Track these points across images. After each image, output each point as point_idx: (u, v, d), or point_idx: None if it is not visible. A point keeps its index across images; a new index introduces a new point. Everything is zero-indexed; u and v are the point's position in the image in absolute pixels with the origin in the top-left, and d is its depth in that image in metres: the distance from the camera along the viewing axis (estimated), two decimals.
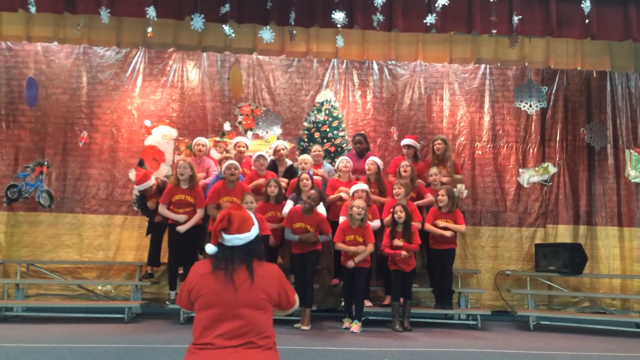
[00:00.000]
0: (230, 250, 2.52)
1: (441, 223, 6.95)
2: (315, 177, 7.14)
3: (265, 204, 6.82)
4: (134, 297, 7.50)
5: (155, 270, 7.58)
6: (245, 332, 2.41)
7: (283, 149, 7.54)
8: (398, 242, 6.51)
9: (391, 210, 6.65)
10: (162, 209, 6.80)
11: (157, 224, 7.19)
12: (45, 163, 8.17)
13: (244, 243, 2.54)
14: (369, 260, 6.60)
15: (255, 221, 2.64)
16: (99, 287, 7.88)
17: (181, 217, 6.70)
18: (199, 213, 6.78)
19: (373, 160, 7.29)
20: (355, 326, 6.40)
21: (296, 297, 2.72)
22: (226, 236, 2.53)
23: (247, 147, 7.66)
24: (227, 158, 7.27)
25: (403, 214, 6.51)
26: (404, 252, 6.49)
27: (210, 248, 2.57)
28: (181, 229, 6.64)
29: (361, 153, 7.76)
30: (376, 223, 6.84)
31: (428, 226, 7.00)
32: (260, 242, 2.65)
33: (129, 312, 6.92)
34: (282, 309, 2.67)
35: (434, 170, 7.40)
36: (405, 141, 7.82)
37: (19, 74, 8.30)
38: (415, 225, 6.73)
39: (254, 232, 2.59)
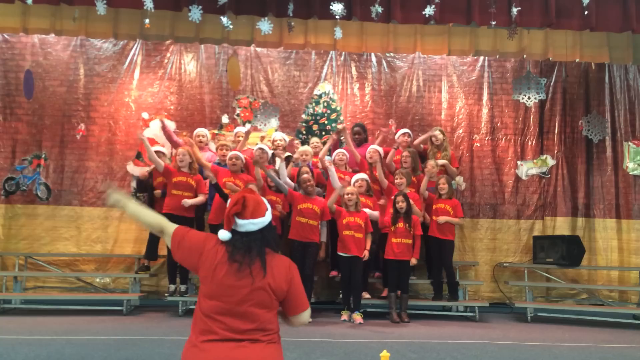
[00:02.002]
0: (247, 238, 2.38)
1: (442, 219, 6.99)
2: (315, 169, 7.18)
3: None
4: (133, 289, 7.49)
5: (153, 263, 7.59)
6: (250, 329, 2.31)
7: (281, 141, 7.56)
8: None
9: (392, 197, 6.72)
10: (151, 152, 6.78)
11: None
12: (43, 155, 8.15)
13: (258, 228, 2.41)
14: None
15: (269, 205, 2.50)
16: (97, 280, 7.88)
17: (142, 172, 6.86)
18: (201, 197, 6.83)
19: (375, 149, 7.35)
20: (358, 317, 6.47)
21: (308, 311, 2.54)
22: (240, 221, 2.39)
23: None
24: (223, 145, 7.27)
25: (404, 204, 6.57)
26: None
27: (223, 234, 2.41)
28: (187, 202, 6.62)
29: (360, 143, 7.78)
30: (377, 213, 6.92)
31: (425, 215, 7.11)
32: (274, 229, 2.52)
33: (127, 304, 6.92)
34: (290, 312, 2.48)
35: (431, 162, 7.44)
36: (403, 130, 7.81)
37: (16, 66, 8.26)
38: (417, 216, 6.80)
39: (268, 216, 2.45)
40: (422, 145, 7.86)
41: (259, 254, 2.37)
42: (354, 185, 6.90)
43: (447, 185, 7.09)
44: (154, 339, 5.37)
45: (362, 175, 7.02)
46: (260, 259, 2.36)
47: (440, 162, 7.54)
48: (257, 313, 2.33)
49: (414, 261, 6.66)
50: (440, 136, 7.71)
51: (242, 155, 6.93)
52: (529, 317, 7.13)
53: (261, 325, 2.33)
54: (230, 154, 6.90)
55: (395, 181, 7.00)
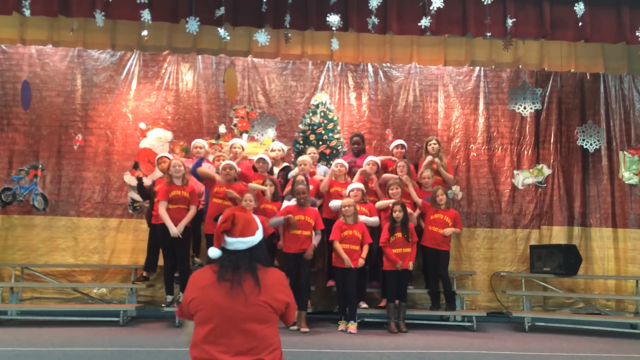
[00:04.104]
0: (235, 256, 2.38)
1: (448, 231, 7.03)
2: (311, 179, 7.21)
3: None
4: (129, 300, 7.49)
5: (151, 274, 7.57)
6: (252, 348, 2.28)
7: (279, 150, 7.57)
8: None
9: (389, 206, 6.75)
10: (162, 210, 6.69)
11: (157, 227, 7.06)
12: (40, 166, 8.14)
13: (247, 247, 2.41)
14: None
15: (260, 225, 2.50)
16: (94, 290, 7.84)
17: (173, 231, 6.59)
18: (192, 210, 6.82)
19: (374, 160, 7.42)
20: (352, 326, 6.47)
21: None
22: (229, 239, 2.40)
23: (242, 148, 7.65)
24: (220, 156, 7.28)
25: (401, 214, 6.61)
26: (399, 263, 6.58)
27: (213, 252, 2.41)
28: (175, 232, 6.59)
29: (358, 153, 7.82)
30: (374, 219, 6.96)
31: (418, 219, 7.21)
32: (264, 247, 2.51)
33: (124, 315, 6.90)
34: (288, 322, 2.52)
35: (427, 173, 7.48)
36: (398, 141, 7.85)
37: (13, 77, 8.27)
38: (412, 223, 6.83)
39: (258, 236, 2.45)
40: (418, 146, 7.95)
41: (249, 270, 2.35)
42: (349, 194, 6.90)
43: (445, 196, 7.14)
44: (151, 350, 5.36)
45: (358, 185, 7.03)
46: (252, 275, 2.35)
47: (435, 159, 7.59)
48: (258, 329, 2.31)
49: (411, 266, 6.68)
50: (436, 145, 7.76)
51: (235, 165, 6.94)
52: (526, 327, 7.12)
53: (263, 342, 2.31)
54: (223, 163, 6.90)
55: (390, 191, 7.03)
